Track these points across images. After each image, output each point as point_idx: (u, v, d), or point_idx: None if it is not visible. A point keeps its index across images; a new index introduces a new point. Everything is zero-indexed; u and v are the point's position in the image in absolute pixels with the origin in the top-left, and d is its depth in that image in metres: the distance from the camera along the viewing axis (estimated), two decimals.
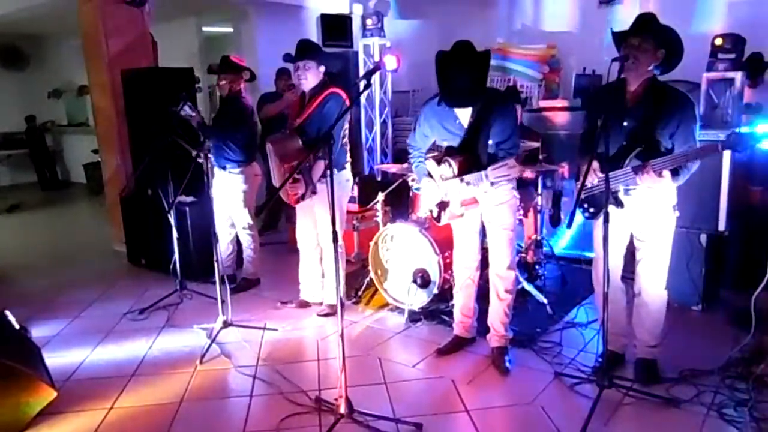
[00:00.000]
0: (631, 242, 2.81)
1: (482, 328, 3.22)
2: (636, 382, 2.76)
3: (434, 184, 2.98)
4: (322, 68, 3.48)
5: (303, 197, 3.40)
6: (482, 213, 2.99)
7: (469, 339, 3.26)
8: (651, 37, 2.51)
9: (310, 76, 3.44)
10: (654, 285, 2.77)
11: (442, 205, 2.97)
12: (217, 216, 3.79)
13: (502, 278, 3.01)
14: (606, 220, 2.44)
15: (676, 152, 2.51)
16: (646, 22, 2.53)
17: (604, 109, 2.51)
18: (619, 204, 2.68)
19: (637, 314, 2.86)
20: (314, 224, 3.65)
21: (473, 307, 3.22)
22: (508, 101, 2.89)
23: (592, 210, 2.79)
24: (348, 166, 3.62)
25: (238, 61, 4.11)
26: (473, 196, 2.86)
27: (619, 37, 2.59)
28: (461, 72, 2.70)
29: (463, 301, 3.20)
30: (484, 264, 3.15)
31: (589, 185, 2.70)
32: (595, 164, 2.61)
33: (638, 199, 2.66)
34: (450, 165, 2.83)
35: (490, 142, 2.80)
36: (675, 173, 2.49)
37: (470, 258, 3.11)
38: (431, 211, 3.07)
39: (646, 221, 2.70)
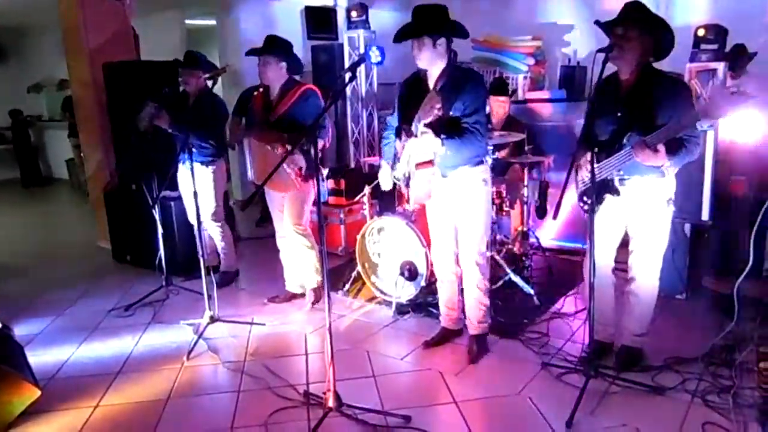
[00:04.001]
0: (626, 233, 2.80)
1: None
2: (618, 369, 2.78)
3: (389, 168, 3.05)
4: (283, 65, 3.47)
5: (307, 171, 3.38)
6: (452, 206, 2.96)
7: (456, 331, 3.27)
8: (636, 26, 2.49)
9: (269, 71, 3.45)
10: (647, 276, 2.76)
11: (408, 182, 2.96)
12: (194, 210, 3.77)
13: (471, 270, 3.01)
14: (592, 211, 2.46)
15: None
16: (631, 11, 2.51)
17: (597, 101, 2.55)
18: (614, 192, 2.66)
19: (627, 302, 2.86)
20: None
21: (458, 300, 3.21)
22: (479, 82, 2.88)
23: (590, 203, 2.70)
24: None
25: (202, 58, 4.06)
26: (429, 159, 2.82)
27: (606, 27, 2.58)
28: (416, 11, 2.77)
29: (446, 295, 3.21)
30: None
31: (584, 179, 2.72)
32: (589, 157, 2.57)
33: (633, 191, 2.64)
34: (408, 131, 2.83)
35: (452, 114, 2.77)
36: (672, 152, 2.44)
37: (447, 251, 3.10)
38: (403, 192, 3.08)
39: (641, 214, 2.68)
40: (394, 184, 3.17)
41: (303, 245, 3.67)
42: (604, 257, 2.81)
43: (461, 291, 3.20)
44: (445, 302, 3.24)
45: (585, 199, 2.77)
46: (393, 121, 3.11)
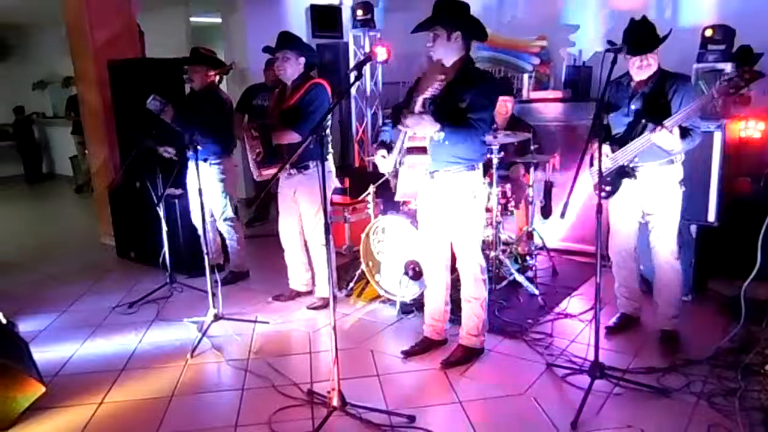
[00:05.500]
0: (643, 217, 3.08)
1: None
2: (663, 353, 2.98)
3: (385, 155, 2.90)
4: (302, 60, 3.47)
5: (265, 158, 3.36)
6: (441, 215, 2.88)
7: (439, 341, 3.16)
8: (653, 51, 2.79)
9: (288, 67, 3.45)
10: (665, 255, 3.01)
11: (396, 174, 2.90)
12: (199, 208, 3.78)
13: (467, 283, 2.93)
14: (599, 211, 2.47)
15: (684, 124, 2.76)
16: (648, 39, 2.78)
17: (611, 99, 2.93)
18: (632, 175, 2.96)
19: (656, 287, 3.12)
20: (297, 218, 3.66)
21: (444, 311, 3.10)
22: (492, 83, 2.85)
23: (608, 189, 3.03)
24: (330, 157, 3.62)
25: (208, 53, 4.05)
26: (422, 146, 2.73)
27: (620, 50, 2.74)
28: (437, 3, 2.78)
29: (433, 305, 3.09)
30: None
31: (604, 169, 2.90)
32: (607, 148, 2.94)
33: (647, 176, 2.94)
34: (405, 116, 2.73)
35: (460, 106, 2.70)
36: (682, 137, 2.75)
37: (436, 257, 3.00)
38: (393, 186, 3.00)
39: (656, 196, 2.96)
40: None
41: (323, 256, 3.63)
42: (625, 238, 3.14)
43: (450, 300, 3.13)
44: (430, 313, 3.12)
45: (602, 186, 2.98)
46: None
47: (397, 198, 2.96)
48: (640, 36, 2.79)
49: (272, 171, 3.30)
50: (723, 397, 2.57)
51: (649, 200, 2.99)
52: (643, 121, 2.82)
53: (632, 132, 2.89)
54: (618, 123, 2.98)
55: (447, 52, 2.76)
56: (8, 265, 5.06)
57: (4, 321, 2.91)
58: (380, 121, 6.54)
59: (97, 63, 4.97)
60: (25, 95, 9.99)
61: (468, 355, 3.00)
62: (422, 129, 2.67)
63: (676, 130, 2.69)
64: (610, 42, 2.70)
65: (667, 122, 2.69)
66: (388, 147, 2.90)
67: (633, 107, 2.92)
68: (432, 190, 2.88)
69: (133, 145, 4.18)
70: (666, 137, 2.69)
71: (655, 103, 2.83)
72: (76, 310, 3.93)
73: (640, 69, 2.85)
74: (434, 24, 2.73)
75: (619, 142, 2.94)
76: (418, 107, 2.62)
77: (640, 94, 2.91)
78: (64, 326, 3.67)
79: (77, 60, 5.25)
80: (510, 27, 5.98)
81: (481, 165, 2.86)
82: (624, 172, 2.96)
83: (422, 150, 2.73)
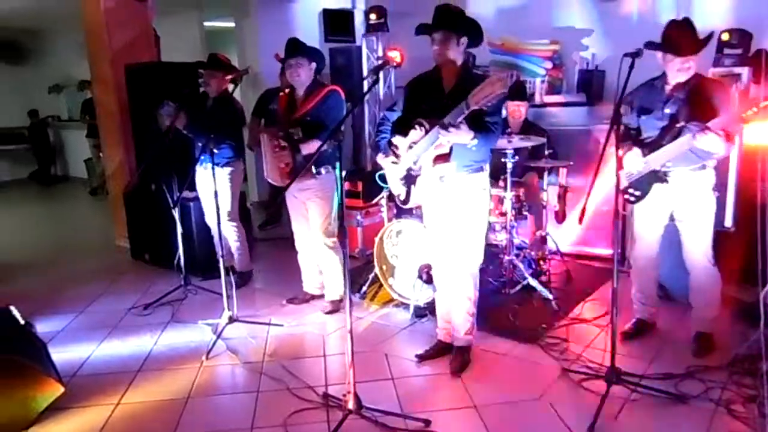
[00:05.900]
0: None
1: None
2: (696, 354, 2.97)
3: (392, 160, 2.90)
4: (313, 65, 3.52)
5: (293, 169, 3.38)
6: (450, 213, 2.88)
7: (452, 345, 3.14)
8: (697, 53, 2.74)
9: (302, 73, 3.49)
10: (701, 260, 2.98)
11: (409, 180, 2.88)
12: (212, 211, 3.80)
13: (465, 281, 2.93)
14: (617, 216, 2.46)
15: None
16: (693, 42, 2.72)
17: (643, 102, 2.91)
18: (663, 180, 2.91)
19: (692, 291, 3.09)
20: (308, 221, 3.68)
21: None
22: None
23: (638, 193, 2.98)
24: (337, 163, 3.64)
25: (225, 60, 4.09)
26: (446, 153, 2.70)
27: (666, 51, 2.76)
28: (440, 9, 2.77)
29: (446, 307, 3.10)
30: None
31: (635, 172, 2.94)
32: (638, 151, 2.90)
33: (678, 181, 2.89)
34: (422, 125, 2.71)
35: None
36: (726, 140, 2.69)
37: (448, 261, 2.99)
38: (398, 195, 2.98)
39: (687, 203, 2.93)
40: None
41: (330, 258, 3.67)
42: (648, 244, 3.11)
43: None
44: (442, 315, 3.13)
45: (631, 191, 2.99)
46: (393, 117, 3.03)
47: (410, 205, 2.97)
48: (687, 37, 2.73)
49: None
50: (742, 404, 2.54)
51: (681, 206, 2.95)
52: (679, 125, 2.77)
53: (666, 136, 2.84)
54: (650, 126, 2.92)
55: (453, 57, 2.78)
56: (25, 266, 5.11)
57: (22, 322, 2.94)
58: None
59: (115, 67, 5.03)
60: (40, 99, 10.11)
61: (468, 354, 3.04)
62: (459, 138, 2.64)
63: (722, 132, 2.63)
64: (650, 43, 2.66)
65: (711, 124, 2.62)
66: (395, 153, 2.92)
67: (668, 111, 2.85)
68: (441, 193, 2.88)
69: (149, 147, 4.21)
70: (713, 140, 2.62)
71: (698, 107, 2.76)
72: (92, 311, 3.97)
73: (681, 71, 2.77)
74: (445, 28, 2.74)
75: (650, 146, 2.88)
76: (461, 118, 2.58)
77: (676, 98, 2.84)
78: (80, 327, 3.71)
79: (95, 64, 5.31)
80: (522, 31, 5.97)
81: (487, 166, 2.91)
82: (656, 176, 2.92)
83: (446, 158, 2.74)
